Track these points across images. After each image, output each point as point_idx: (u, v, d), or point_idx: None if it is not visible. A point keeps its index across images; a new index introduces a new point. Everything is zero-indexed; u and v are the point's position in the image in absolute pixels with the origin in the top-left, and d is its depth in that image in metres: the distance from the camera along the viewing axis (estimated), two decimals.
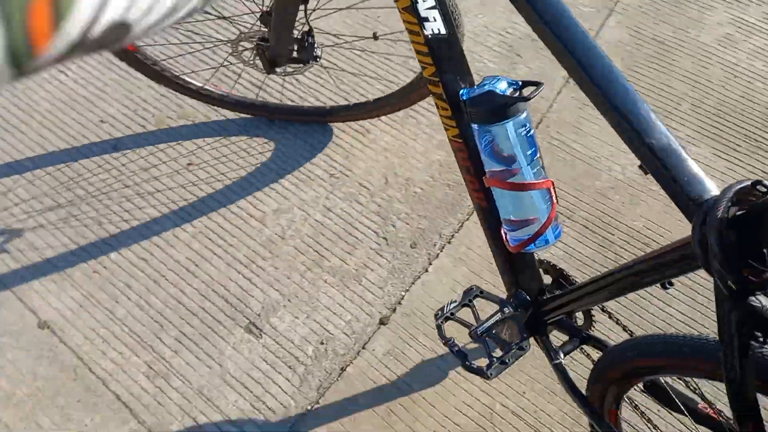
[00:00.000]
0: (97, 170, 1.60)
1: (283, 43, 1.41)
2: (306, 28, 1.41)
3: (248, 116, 1.71)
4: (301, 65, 1.48)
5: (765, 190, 0.59)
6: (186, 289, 1.43)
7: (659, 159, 0.66)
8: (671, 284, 0.76)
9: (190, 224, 1.53)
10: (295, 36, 1.42)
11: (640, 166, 0.69)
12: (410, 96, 1.47)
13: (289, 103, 1.74)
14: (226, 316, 1.39)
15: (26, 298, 1.41)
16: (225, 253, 1.49)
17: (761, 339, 0.60)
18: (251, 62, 1.53)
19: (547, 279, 1.11)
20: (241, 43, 1.49)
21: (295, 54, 1.45)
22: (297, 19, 1.36)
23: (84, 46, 0.23)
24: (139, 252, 1.48)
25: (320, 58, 1.47)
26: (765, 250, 0.58)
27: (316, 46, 1.44)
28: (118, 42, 0.25)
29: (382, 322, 1.38)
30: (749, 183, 0.59)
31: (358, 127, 1.69)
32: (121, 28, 0.23)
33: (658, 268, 0.74)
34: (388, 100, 1.55)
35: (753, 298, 0.58)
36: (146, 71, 1.58)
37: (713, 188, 0.64)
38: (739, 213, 0.59)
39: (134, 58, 1.53)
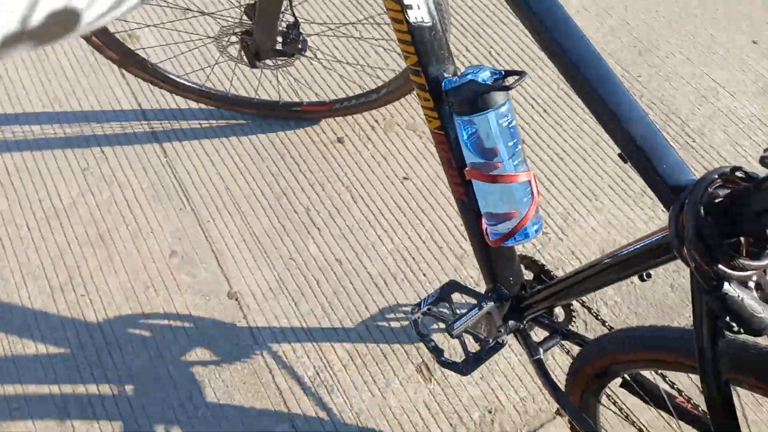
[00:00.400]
0: (320, 160, 1.62)
1: (267, 35, 1.37)
2: (291, 20, 1.38)
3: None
4: (287, 58, 1.45)
5: (743, 176, 0.57)
6: (370, 305, 1.40)
7: (638, 147, 0.66)
8: (649, 276, 0.76)
9: (390, 239, 1.50)
10: (281, 28, 1.38)
11: (620, 154, 0.69)
12: (396, 91, 1.49)
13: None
14: (401, 347, 1.35)
15: (224, 263, 1.45)
16: (415, 279, 1.44)
17: (735, 330, 0.58)
18: (236, 57, 1.50)
19: (528, 275, 1.10)
20: (225, 38, 1.46)
21: (280, 46, 1.42)
22: (282, 10, 1.32)
23: (25, 36, 0.20)
24: (337, 252, 1.48)
25: (306, 50, 1.43)
26: (742, 239, 0.57)
27: (302, 38, 1.40)
28: (67, 32, 0.22)
29: (560, 413, 1.27)
30: (728, 169, 0.57)
31: (585, 191, 1.57)
32: (67, 14, 0.21)
33: (635, 259, 0.73)
34: (370, 95, 1.57)
35: (728, 287, 0.56)
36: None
37: (692, 176, 0.63)
38: (717, 200, 0.57)
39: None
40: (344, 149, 1.64)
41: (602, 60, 0.69)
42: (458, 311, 1.03)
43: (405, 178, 1.60)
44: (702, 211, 0.56)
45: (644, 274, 0.75)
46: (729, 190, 0.57)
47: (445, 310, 1.10)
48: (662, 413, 0.90)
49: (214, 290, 1.42)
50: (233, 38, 1.47)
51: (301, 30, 1.41)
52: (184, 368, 1.31)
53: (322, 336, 1.36)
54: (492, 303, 1.01)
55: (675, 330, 0.76)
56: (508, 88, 0.78)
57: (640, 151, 0.65)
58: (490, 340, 0.99)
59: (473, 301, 1.03)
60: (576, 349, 1.03)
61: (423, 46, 0.82)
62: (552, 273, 1.07)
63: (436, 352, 1.03)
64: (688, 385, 1.08)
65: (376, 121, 1.69)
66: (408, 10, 0.80)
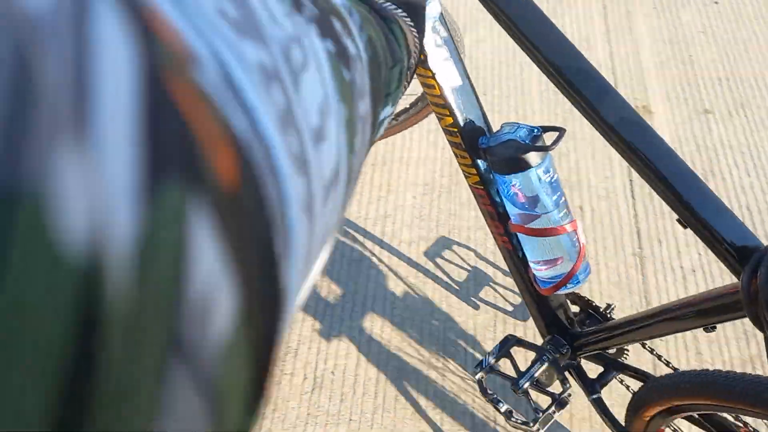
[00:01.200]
0: None
1: None
2: None
3: None
4: None
5: None
6: None
7: (698, 215, 0.66)
8: (714, 328, 0.74)
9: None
10: None
11: (679, 220, 0.68)
12: (407, 120, 1.48)
13: None
14: None
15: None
16: None
17: None
18: None
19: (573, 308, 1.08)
20: None
21: None
22: None
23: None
24: None
25: None
26: None
27: None
28: None
29: None
30: None
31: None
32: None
33: (702, 314, 0.73)
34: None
35: None
36: None
37: (756, 240, 0.64)
38: None
39: None
40: None
41: (649, 126, 0.69)
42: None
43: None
44: None
45: (709, 326, 0.74)
46: None
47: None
48: None
49: None
50: None
51: None
52: None
53: None
54: (552, 355, 1.01)
55: (751, 379, 0.73)
56: (548, 149, 0.77)
57: (699, 219, 0.65)
58: (557, 395, 1.00)
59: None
60: (629, 381, 1.02)
61: (457, 107, 0.83)
62: (601, 309, 1.06)
63: (506, 413, 1.03)
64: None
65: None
66: (439, 75, 0.81)
